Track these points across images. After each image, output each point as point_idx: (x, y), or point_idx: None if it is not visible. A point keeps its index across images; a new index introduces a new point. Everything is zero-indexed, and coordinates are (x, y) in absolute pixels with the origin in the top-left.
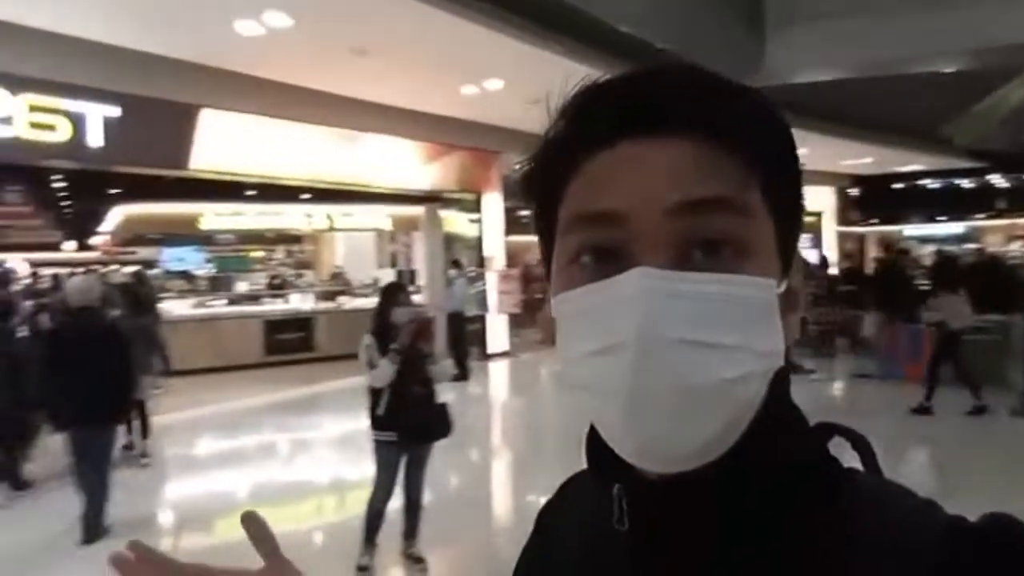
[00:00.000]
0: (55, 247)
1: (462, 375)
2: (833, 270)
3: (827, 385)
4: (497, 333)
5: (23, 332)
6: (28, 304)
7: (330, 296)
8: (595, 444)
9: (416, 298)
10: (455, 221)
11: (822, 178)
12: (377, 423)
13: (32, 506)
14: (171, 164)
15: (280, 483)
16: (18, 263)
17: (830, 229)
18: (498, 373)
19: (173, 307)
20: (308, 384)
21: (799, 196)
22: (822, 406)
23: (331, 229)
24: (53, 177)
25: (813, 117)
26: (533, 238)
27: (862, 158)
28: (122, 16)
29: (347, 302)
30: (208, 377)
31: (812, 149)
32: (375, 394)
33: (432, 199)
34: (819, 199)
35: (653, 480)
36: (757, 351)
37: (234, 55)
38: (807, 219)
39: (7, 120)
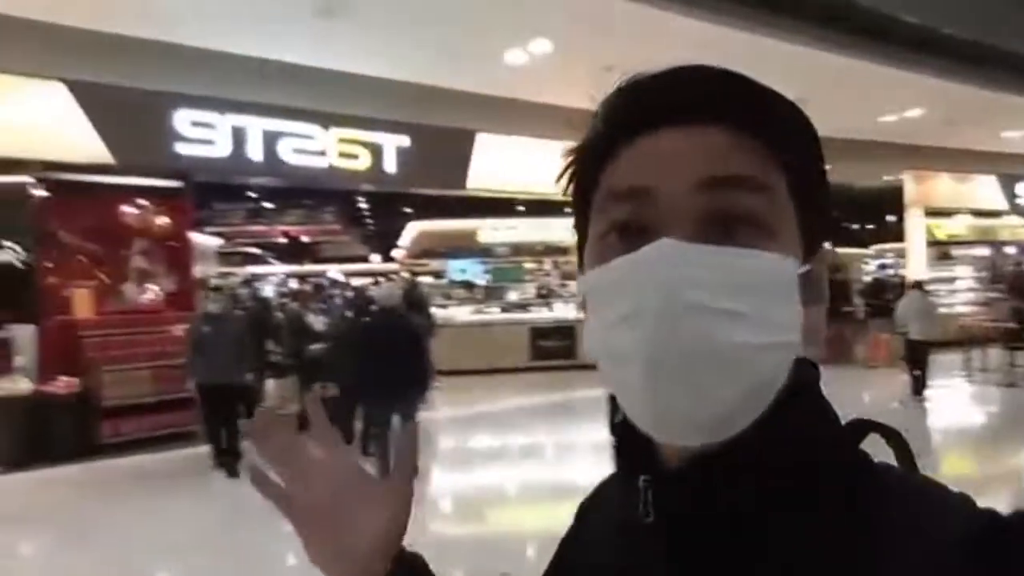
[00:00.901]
0: (363, 259)
1: None
2: None
3: None
4: None
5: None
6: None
7: None
8: (621, 435)
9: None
10: None
11: None
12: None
13: None
14: (452, 185)
15: (543, 482)
16: (335, 273)
17: None
18: None
19: (456, 313)
20: (569, 390)
21: (823, 187)
22: None
23: None
24: (358, 200)
25: None
26: None
27: None
28: (410, 55)
29: None
30: (478, 378)
31: None
32: None
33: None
34: None
35: (677, 470)
36: (775, 322)
37: (503, 83)
38: None
39: (321, 152)
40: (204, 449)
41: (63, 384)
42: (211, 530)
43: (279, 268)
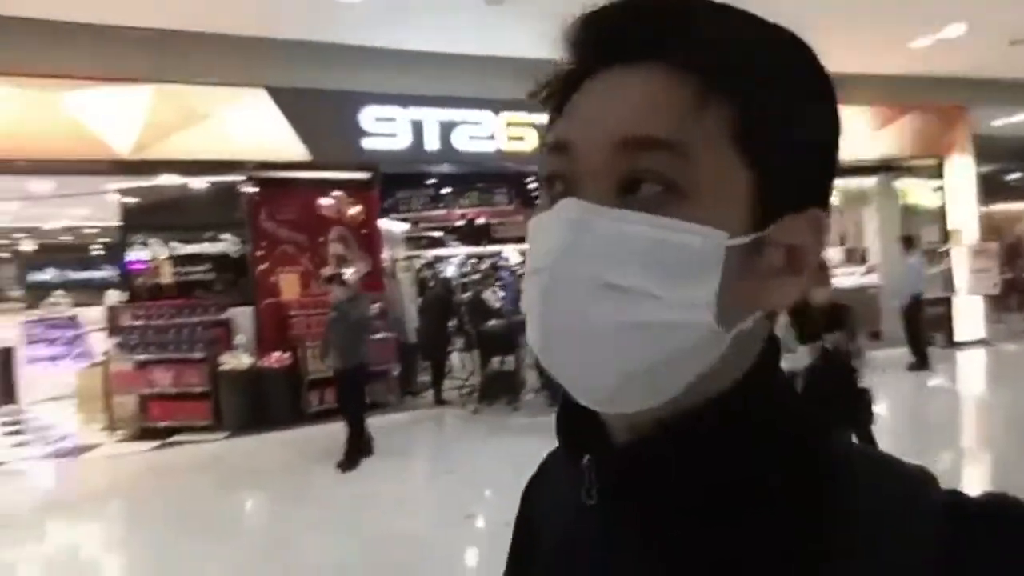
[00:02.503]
0: None
1: (920, 364)
2: None
3: None
4: (968, 318)
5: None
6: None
7: None
8: (565, 413)
9: (869, 278)
10: (913, 191)
11: None
12: None
13: None
14: None
15: None
16: (510, 252)
17: None
18: (968, 364)
19: None
20: None
21: (804, 137)
22: None
23: None
24: (527, 180)
25: None
26: (1020, 205)
27: None
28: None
29: None
30: None
31: None
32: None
33: (885, 168)
34: None
35: (620, 447)
36: (671, 300)
37: None
38: None
39: (491, 136)
40: (400, 417)
41: (276, 359)
42: (413, 488)
43: (459, 249)
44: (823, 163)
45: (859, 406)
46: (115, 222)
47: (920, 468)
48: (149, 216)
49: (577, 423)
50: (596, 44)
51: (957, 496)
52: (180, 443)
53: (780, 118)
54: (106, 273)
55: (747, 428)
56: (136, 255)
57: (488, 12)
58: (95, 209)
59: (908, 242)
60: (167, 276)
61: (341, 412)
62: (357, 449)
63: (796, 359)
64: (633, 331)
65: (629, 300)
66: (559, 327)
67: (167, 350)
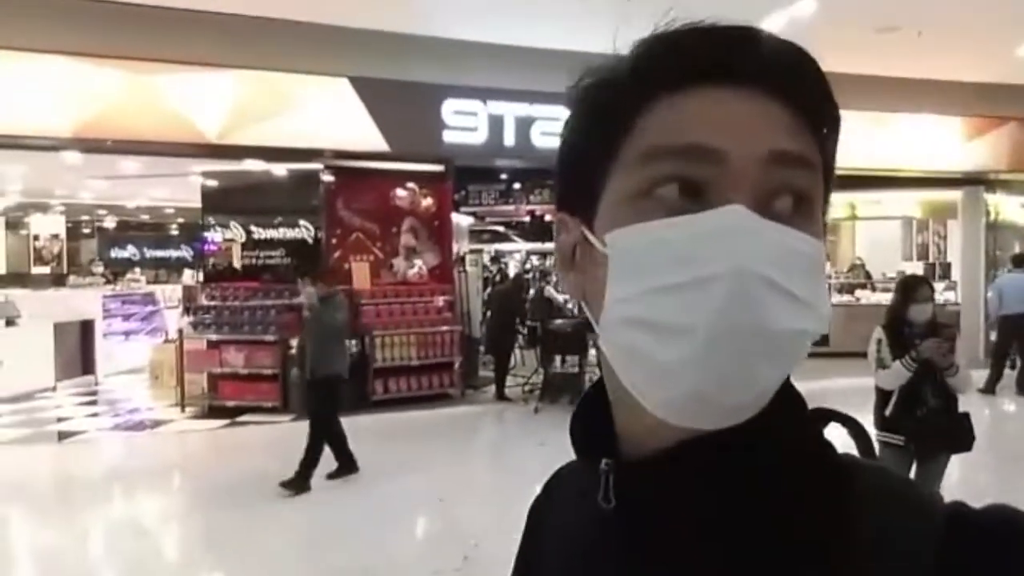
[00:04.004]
0: None
1: (1020, 389)
2: None
3: None
4: None
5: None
6: None
7: (848, 289)
8: (581, 421)
9: (947, 295)
10: (1004, 206)
11: None
12: (883, 423)
13: None
14: None
15: None
16: None
17: None
18: None
19: None
20: (822, 378)
21: (835, 161)
22: None
23: (853, 218)
24: None
25: None
26: None
27: None
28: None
29: (866, 296)
30: None
31: None
32: (883, 393)
33: (974, 181)
34: None
35: (648, 456)
36: (817, 309)
37: None
38: None
39: None
40: (461, 409)
41: None
42: (473, 480)
43: (522, 245)
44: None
45: (958, 430)
46: (196, 203)
47: (916, 482)
48: (229, 199)
49: (591, 429)
50: (699, 61)
51: (960, 508)
52: (247, 423)
53: (835, 148)
54: (183, 253)
55: (779, 444)
56: (214, 236)
57: (576, 5)
58: (175, 190)
59: (1021, 260)
60: (240, 258)
61: (310, 425)
62: (308, 470)
63: (890, 375)
64: (799, 339)
65: (798, 308)
66: (741, 332)
67: (240, 331)
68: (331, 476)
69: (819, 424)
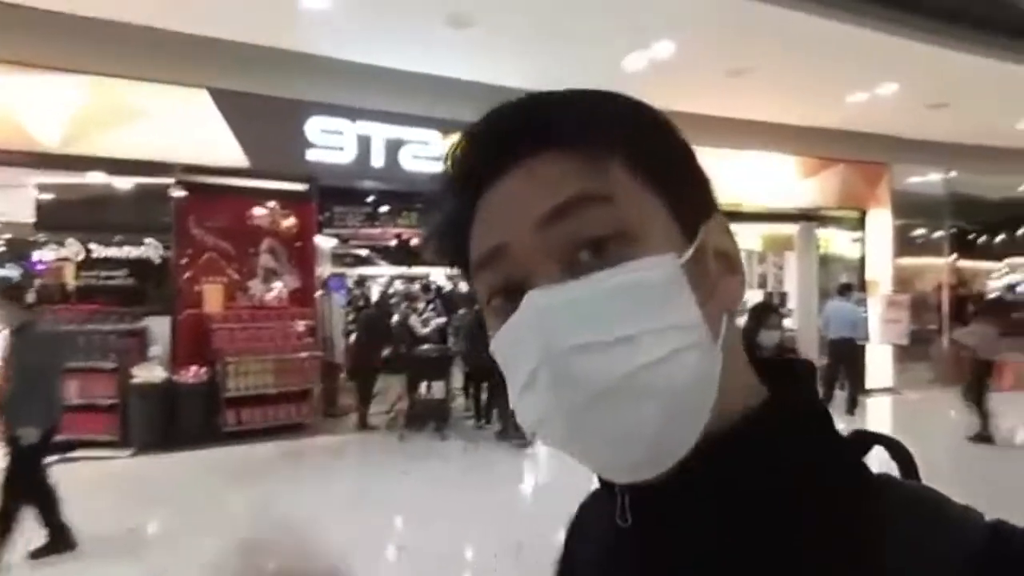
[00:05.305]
0: None
1: (849, 408)
2: None
3: None
4: (878, 366)
5: None
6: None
7: None
8: None
9: (786, 323)
10: (833, 240)
11: None
12: None
13: None
14: None
15: None
16: (438, 275)
17: None
18: (876, 411)
19: None
20: None
21: (683, 160)
22: None
23: None
24: None
25: None
26: (928, 260)
27: None
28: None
29: None
30: None
31: None
32: None
33: (808, 217)
34: None
35: (656, 480)
36: (670, 328)
37: (621, 88)
38: None
39: (437, 158)
40: (321, 440)
41: (192, 373)
42: (332, 514)
43: (386, 269)
44: (699, 175)
45: None
46: (27, 218)
47: (964, 506)
48: (67, 213)
49: None
50: (482, 160)
51: (1001, 525)
52: (79, 458)
53: (662, 151)
54: (10, 272)
55: (789, 462)
56: (47, 255)
57: (447, 34)
58: (2, 202)
59: (846, 289)
60: (77, 278)
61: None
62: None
63: None
64: (656, 368)
65: (630, 348)
66: (582, 408)
67: (74, 357)
68: (35, 554)
69: (856, 446)
